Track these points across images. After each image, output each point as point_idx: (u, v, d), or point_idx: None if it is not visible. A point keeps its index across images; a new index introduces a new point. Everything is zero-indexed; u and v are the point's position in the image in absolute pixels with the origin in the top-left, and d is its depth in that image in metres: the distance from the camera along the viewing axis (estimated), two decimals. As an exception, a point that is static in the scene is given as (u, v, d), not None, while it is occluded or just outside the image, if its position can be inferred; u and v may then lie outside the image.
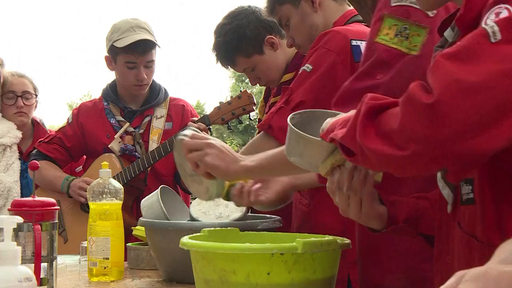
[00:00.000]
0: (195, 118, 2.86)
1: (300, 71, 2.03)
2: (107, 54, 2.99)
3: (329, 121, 1.13)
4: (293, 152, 1.23)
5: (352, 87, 1.50)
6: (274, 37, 2.49)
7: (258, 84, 2.63)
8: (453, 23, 1.14)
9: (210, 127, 2.84)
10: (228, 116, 2.75)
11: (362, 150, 0.97)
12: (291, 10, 2.21)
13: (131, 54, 2.88)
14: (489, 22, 0.91)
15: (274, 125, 1.95)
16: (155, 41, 2.91)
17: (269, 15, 2.30)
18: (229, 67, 2.60)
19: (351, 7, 2.18)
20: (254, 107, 2.77)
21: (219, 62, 2.58)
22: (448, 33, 1.16)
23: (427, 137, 0.88)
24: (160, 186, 2.09)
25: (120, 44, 2.87)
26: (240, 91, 2.81)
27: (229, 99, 2.79)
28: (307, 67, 2.01)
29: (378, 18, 1.52)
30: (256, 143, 1.98)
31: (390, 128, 0.93)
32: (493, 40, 0.87)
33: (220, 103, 2.79)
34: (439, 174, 1.14)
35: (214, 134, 2.77)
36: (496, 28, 0.87)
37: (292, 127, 1.21)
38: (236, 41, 2.48)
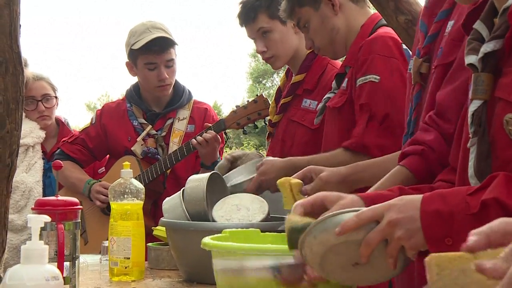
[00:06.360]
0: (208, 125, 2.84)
1: (364, 82, 2.02)
2: (128, 60, 3.01)
3: None
4: None
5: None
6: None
7: (261, 57, 2.62)
8: (484, 16, 1.16)
9: (226, 131, 2.85)
10: (244, 121, 2.75)
11: None
12: (311, 13, 2.19)
13: (150, 53, 2.90)
14: None
15: (370, 144, 1.97)
16: (172, 38, 2.93)
17: (288, 17, 2.29)
18: (245, 24, 2.56)
19: (374, 11, 2.18)
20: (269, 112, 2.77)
21: (240, 16, 2.56)
22: (479, 26, 1.17)
23: None
24: (182, 189, 2.07)
25: (137, 45, 2.89)
26: (257, 95, 2.81)
27: (245, 103, 2.79)
28: (374, 78, 2.00)
29: None
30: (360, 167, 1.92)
31: None
32: None
33: (236, 107, 2.80)
34: (471, 171, 1.15)
35: (230, 135, 2.78)
36: None
37: None
38: (269, 0, 2.48)
